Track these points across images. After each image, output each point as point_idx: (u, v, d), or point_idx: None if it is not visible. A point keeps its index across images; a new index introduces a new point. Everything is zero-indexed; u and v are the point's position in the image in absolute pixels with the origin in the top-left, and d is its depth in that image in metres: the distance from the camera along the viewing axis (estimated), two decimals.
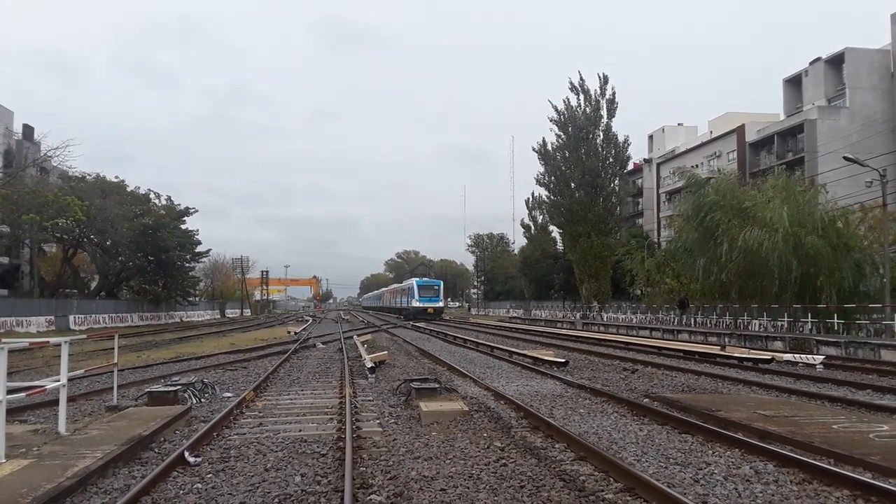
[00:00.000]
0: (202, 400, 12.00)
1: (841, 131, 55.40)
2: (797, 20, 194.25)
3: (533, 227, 79.75)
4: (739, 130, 66.44)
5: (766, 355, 19.37)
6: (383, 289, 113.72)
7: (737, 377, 15.43)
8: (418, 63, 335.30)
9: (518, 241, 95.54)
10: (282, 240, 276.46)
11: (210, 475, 6.95)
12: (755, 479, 6.61)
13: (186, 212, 62.37)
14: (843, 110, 59.76)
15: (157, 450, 8.13)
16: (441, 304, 64.32)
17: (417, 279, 67.68)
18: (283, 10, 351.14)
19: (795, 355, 19.75)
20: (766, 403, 11.11)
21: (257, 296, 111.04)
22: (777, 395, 12.79)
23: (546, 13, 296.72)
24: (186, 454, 7.49)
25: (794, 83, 67.96)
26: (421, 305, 61.19)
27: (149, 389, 11.63)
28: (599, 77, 55.77)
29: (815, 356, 19.57)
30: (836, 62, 62.64)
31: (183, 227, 61.49)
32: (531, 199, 79.56)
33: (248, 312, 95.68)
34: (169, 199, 61.88)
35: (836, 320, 28.39)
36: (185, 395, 11.52)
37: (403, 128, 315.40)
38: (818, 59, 64.08)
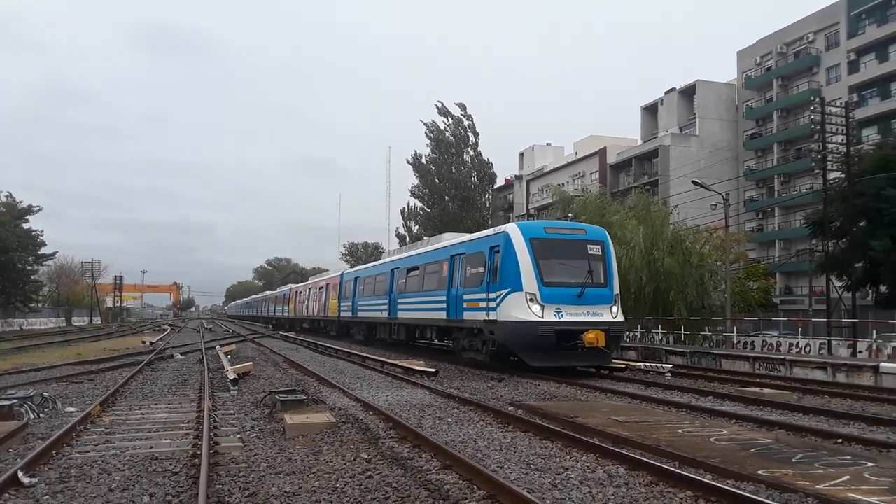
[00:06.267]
0: (41, 415, 10.97)
1: (691, 157, 60.21)
2: (659, 52, 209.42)
3: (408, 237, 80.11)
4: (602, 153, 70.43)
5: (621, 364, 20.42)
6: (322, 277, 46.17)
7: (595, 385, 16.17)
8: (256, 74, 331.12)
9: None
10: (135, 245, 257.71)
11: (46, 497, 6.36)
12: (608, 483, 6.93)
13: (29, 210, 57.18)
14: (693, 138, 64.99)
15: None
16: (618, 312, 18.50)
17: (520, 223, 19.60)
18: (103, 13, 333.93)
19: (647, 364, 21.02)
20: (620, 409, 11.73)
21: (109, 303, 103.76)
22: (630, 401, 13.54)
23: (418, 27, 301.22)
24: (20, 474, 6.81)
25: (651, 111, 73.26)
26: (560, 321, 17.00)
27: None
28: (458, 106, 58.31)
29: (664, 365, 20.88)
30: (688, 93, 68.10)
31: (25, 226, 56.34)
32: (406, 209, 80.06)
33: (98, 321, 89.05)
34: (10, 195, 56.63)
35: (683, 332, 30.67)
36: (22, 410, 10.48)
37: (247, 137, 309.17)
38: (673, 90, 69.37)
